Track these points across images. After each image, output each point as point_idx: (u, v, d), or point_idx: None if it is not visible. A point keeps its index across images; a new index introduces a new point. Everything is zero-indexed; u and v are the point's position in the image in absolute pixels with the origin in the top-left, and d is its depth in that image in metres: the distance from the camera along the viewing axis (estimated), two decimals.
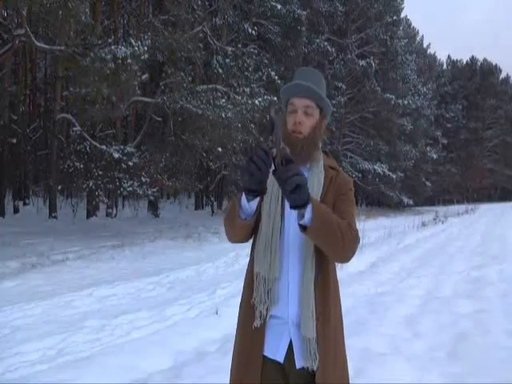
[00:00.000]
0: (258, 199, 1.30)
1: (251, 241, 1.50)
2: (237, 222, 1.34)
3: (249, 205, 1.30)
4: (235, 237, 1.44)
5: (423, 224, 15.93)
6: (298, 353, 1.38)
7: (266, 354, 1.40)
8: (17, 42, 9.91)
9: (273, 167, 1.19)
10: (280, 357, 1.39)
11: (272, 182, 1.35)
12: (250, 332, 1.41)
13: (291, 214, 1.39)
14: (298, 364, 1.38)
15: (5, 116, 15.25)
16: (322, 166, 1.51)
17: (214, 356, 3.20)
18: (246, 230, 1.39)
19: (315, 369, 1.37)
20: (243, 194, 1.30)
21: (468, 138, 47.18)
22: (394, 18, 27.05)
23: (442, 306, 4.59)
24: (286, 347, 1.39)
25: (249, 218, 1.33)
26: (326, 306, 1.40)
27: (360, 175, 25.82)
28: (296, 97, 1.45)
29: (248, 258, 1.55)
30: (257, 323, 1.38)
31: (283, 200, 1.39)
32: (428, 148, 32.35)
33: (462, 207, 30.11)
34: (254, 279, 1.40)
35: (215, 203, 20.41)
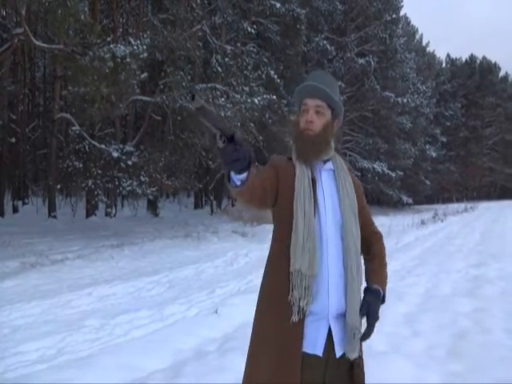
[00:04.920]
0: (246, 172, 1.30)
1: (270, 237, 1.59)
2: (239, 191, 1.34)
3: (240, 176, 1.31)
4: (250, 201, 1.46)
5: (422, 222, 15.94)
6: (339, 342, 1.47)
7: (303, 349, 1.43)
8: (15, 40, 9.89)
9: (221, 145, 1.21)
10: (319, 350, 1.44)
11: (302, 183, 1.49)
12: (285, 329, 1.43)
13: (326, 211, 1.51)
14: (338, 353, 1.47)
15: (4, 115, 15.24)
16: (347, 169, 1.64)
17: (213, 355, 3.20)
18: (251, 193, 1.39)
19: (356, 356, 1.47)
20: (230, 175, 1.32)
21: (467, 136, 47.18)
22: (393, 16, 27.02)
23: (442, 305, 4.60)
24: (325, 340, 1.45)
25: (244, 180, 1.31)
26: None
27: (359, 174, 25.81)
28: (308, 97, 1.56)
29: (267, 253, 1.59)
30: (295, 318, 1.42)
31: (316, 197, 1.50)
32: (427, 146, 32.36)
33: (461, 205, 30.13)
34: (292, 276, 1.43)
35: (214, 202, 20.41)
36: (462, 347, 3.34)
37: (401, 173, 27.24)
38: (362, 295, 1.53)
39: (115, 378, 2.80)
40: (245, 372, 1.54)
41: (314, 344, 1.45)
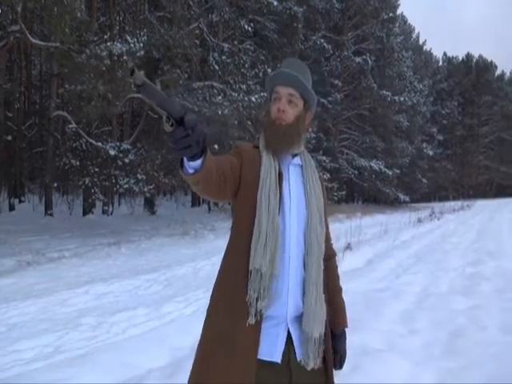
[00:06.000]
0: (199, 159, 1.15)
1: (228, 236, 1.47)
2: (192, 179, 1.20)
3: (193, 164, 1.16)
4: (206, 190, 1.31)
5: (419, 220, 15.99)
6: (299, 346, 1.37)
7: (260, 356, 1.32)
8: (11, 38, 9.84)
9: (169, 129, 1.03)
10: (277, 357, 1.34)
11: (268, 175, 1.38)
12: (241, 331, 1.31)
13: (290, 207, 1.41)
14: (299, 356, 1.37)
15: (0, 113, 15.16)
16: (315, 166, 1.55)
17: None
18: (207, 182, 1.25)
19: (313, 365, 1.37)
20: (183, 161, 1.17)
21: (464, 134, 47.34)
22: (390, 14, 27.07)
23: (438, 303, 4.61)
24: (284, 346, 1.35)
25: (199, 169, 1.17)
26: (323, 303, 1.43)
27: (356, 172, 25.88)
28: (281, 85, 1.46)
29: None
30: (252, 320, 1.31)
31: (281, 191, 1.40)
32: (424, 144, 32.42)
33: (457, 203, 30.24)
34: (250, 275, 1.31)
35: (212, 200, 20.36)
36: (458, 345, 3.36)
37: (398, 171, 27.31)
38: (331, 336, 1.49)
39: (112, 376, 2.80)
40: (192, 370, 1.39)
41: (272, 351, 1.34)
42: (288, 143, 1.44)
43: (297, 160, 1.50)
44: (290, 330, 1.37)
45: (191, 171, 1.16)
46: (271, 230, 1.33)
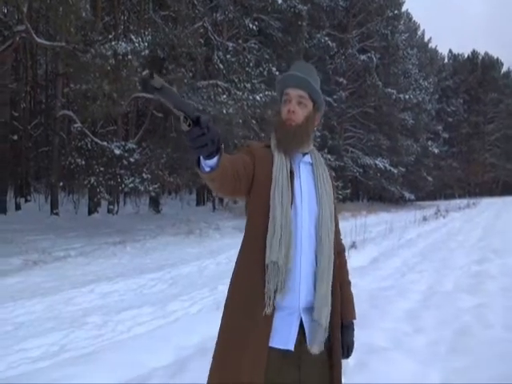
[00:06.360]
0: (215, 157, 1.20)
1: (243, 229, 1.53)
2: (209, 177, 1.26)
3: (209, 162, 1.22)
4: (222, 188, 1.38)
5: (424, 219, 15.92)
6: (310, 335, 1.45)
7: (274, 345, 1.40)
8: (17, 38, 9.89)
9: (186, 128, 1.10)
10: (291, 345, 1.42)
11: (280, 173, 1.45)
12: (254, 323, 1.40)
13: (302, 203, 1.48)
14: (308, 343, 1.44)
15: (6, 113, 15.25)
16: (325, 164, 1.61)
17: None
18: (223, 180, 1.31)
19: (317, 351, 1.44)
20: (199, 160, 1.22)
21: (469, 132, 47.05)
22: (395, 12, 26.92)
23: (444, 301, 4.59)
24: (296, 335, 1.43)
25: (214, 167, 1.23)
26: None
27: (361, 170, 25.79)
28: (291, 87, 1.52)
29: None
30: (268, 310, 1.38)
31: (293, 188, 1.47)
32: (429, 142, 32.24)
33: (463, 201, 30.07)
34: (267, 269, 1.39)
35: (216, 199, 20.41)
36: (463, 343, 3.34)
37: (403, 169, 27.20)
38: (340, 327, 1.55)
39: (118, 375, 2.82)
40: (214, 354, 1.47)
41: (286, 339, 1.42)
42: (298, 143, 1.52)
43: (307, 158, 1.57)
44: (303, 320, 1.45)
45: (207, 169, 1.23)
46: (285, 224, 1.40)
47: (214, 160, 1.20)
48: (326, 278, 1.46)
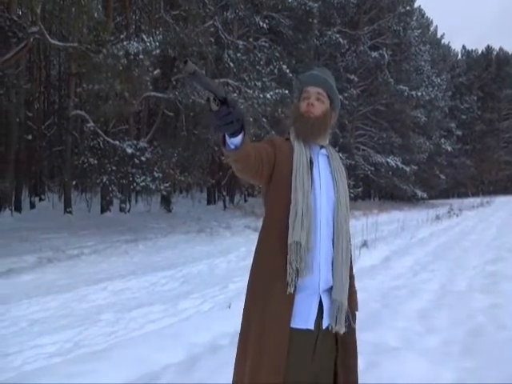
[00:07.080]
0: (239, 135, 1.30)
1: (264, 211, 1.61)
2: (233, 156, 1.35)
3: (235, 140, 1.32)
4: (245, 169, 1.45)
5: (437, 217, 15.74)
6: (327, 314, 1.52)
7: (294, 325, 1.46)
8: (31, 39, 10.01)
9: (215, 108, 1.21)
10: (311, 324, 1.49)
11: (300, 161, 1.54)
12: (277, 302, 1.45)
13: (320, 190, 1.58)
14: (325, 323, 1.52)
15: (20, 113, 15.46)
16: (339, 159, 1.71)
17: (226, 349, 3.23)
18: (246, 161, 1.40)
19: (342, 330, 1.52)
20: (225, 138, 1.32)
21: (483, 129, 46.33)
22: (407, 8, 26.64)
23: (457, 301, 4.55)
24: (316, 314, 1.50)
25: (239, 145, 1.33)
26: (349, 275, 1.62)
27: (373, 168, 25.60)
28: (310, 85, 1.64)
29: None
30: (290, 289, 1.44)
31: (312, 175, 1.56)
32: (442, 140, 31.86)
33: (477, 200, 29.68)
34: (290, 248, 1.45)
35: (227, 198, 20.46)
36: (476, 344, 3.31)
37: (415, 167, 26.93)
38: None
39: (130, 371, 2.85)
40: (235, 369, 1.57)
41: (306, 319, 1.48)
42: (316, 133, 1.62)
43: (324, 151, 1.68)
44: (322, 300, 1.52)
45: (232, 147, 1.32)
46: (306, 208, 1.48)
47: (239, 138, 1.30)
48: (345, 260, 1.54)
